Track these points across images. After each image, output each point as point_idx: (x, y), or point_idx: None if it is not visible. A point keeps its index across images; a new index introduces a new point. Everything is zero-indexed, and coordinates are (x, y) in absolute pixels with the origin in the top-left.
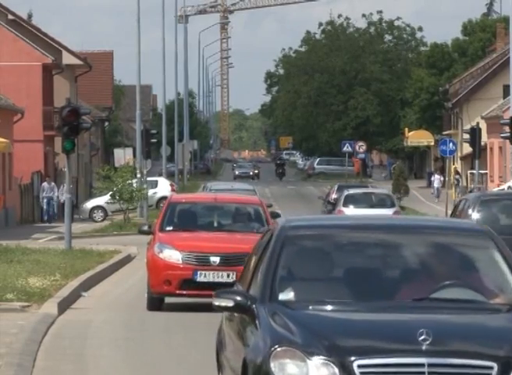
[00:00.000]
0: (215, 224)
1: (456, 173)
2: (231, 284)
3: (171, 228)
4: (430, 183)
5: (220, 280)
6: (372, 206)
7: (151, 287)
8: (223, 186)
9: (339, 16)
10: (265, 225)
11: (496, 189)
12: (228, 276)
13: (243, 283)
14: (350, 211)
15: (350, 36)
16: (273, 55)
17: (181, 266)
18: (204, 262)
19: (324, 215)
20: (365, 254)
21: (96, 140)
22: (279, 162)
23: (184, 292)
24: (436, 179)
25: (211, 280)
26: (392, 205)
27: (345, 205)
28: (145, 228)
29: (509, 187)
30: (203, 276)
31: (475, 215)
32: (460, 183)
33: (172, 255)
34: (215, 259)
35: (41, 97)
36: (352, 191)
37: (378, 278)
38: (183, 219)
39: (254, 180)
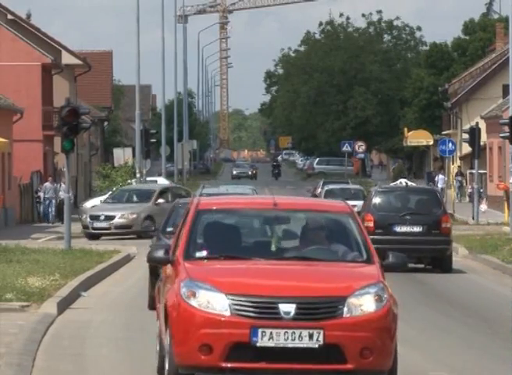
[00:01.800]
0: (277, 247)
1: (460, 173)
2: (318, 352)
3: (204, 254)
4: (433, 184)
5: (298, 344)
6: (348, 199)
7: (178, 357)
8: (217, 189)
9: (341, 15)
10: (361, 249)
11: (392, 184)
12: (311, 337)
13: None
14: None
15: (350, 36)
16: (273, 55)
17: (229, 319)
18: (269, 314)
19: None
20: None
21: (95, 139)
22: (274, 163)
23: (235, 365)
24: (440, 179)
25: (281, 343)
26: (364, 198)
27: (325, 198)
28: (160, 254)
29: (400, 183)
30: (267, 338)
31: (375, 200)
32: (463, 185)
33: (213, 301)
34: (289, 309)
35: (41, 97)
36: (331, 187)
37: None
38: (224, 238)
39: (253, 180)
